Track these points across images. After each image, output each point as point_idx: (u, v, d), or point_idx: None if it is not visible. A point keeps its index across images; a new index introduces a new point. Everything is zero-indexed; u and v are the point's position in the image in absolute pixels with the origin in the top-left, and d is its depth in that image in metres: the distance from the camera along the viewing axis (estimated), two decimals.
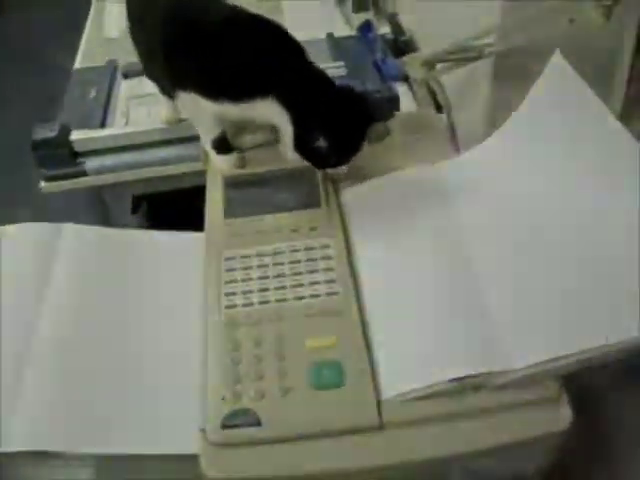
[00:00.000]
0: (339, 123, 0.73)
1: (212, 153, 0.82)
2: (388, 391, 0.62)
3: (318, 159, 0.75)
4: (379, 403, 0.61)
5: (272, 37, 0.75)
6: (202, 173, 1.02)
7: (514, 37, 0.80)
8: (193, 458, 0.61)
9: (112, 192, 1.09)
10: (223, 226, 0.77)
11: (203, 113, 0.79)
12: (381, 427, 0.60)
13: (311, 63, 0.76)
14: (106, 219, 1.17)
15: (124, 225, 1.16)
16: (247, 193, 0.80)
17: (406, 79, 1.11)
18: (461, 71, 0.92)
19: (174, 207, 1.20)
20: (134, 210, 1.46)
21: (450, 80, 0.96)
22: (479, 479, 0.64)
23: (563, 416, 0.61)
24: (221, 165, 0.83)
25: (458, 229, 0.74)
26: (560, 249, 0.67)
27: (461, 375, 0.61)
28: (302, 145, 0.74)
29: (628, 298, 0.60)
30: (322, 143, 0.72)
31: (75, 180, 1.04)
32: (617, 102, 0.71)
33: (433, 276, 0.70)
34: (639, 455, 0.80)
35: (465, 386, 0.62)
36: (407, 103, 1.07)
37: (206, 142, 0.82)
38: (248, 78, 0.74)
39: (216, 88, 0.75)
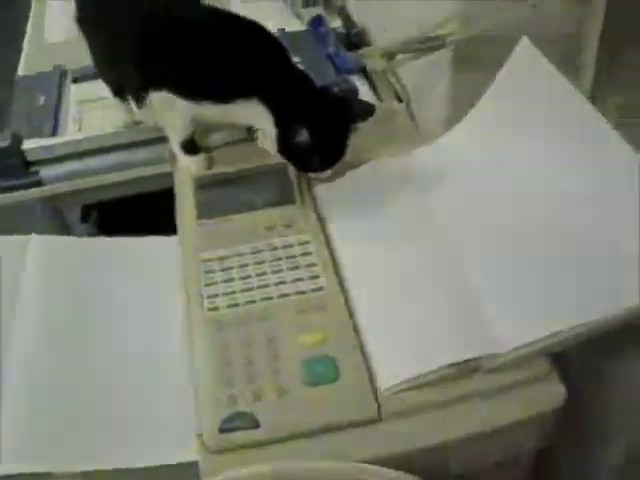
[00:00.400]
0: (324, 125, 0.73)
1: (180, 154, 0.81)
2: (384, 382, 0.62)
3: (303, 162, 0.75)
4: (376, 394, 0.61)
5: (259, 37, 0.75)
6: (165, 175, 1.00)
7: (475, 25, 0.81)
8: (186, 466, 0.60)
9: (70, 201, 1.05)
10: (197, 228, 0.76)
11: (176, 114, 0.77)
12: (380, 418, 0.60)
13: (295, 65, 0.76)
14: (63, 230, 1.13)
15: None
16: (219, 193, 0.78)
17: (361, 71, 1.12)
18: (421, 61, 0.92)
19: (126, 214, 1.17)
20: (84, 219, 1.42)
21: (410, 70, 0.96)
22: (477, 463, 0.64)
23: (557, 393, 0.62)
24: (189, 166, 0.81)
25: (435, 215, 0.74)
26: (540, 230, 0.68)
27: (454, 361, 0.61)
28: (286, 148, 0.73)
29: (611, 275, 0.61)
30: (307, 146, 0.71)
31: (30, 190, 1.01)
32: (585, 85, 0.72)
33: (416, 264, 0.70)
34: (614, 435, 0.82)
35: (459, 371, 0.62)
36: (364, 95, 1.07)
37: (175, 143, 0.81)
38: (233, 78, 0.73)
39: (197, 88, 0.74)
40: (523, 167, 0.72)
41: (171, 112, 0.77)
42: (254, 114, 0.74)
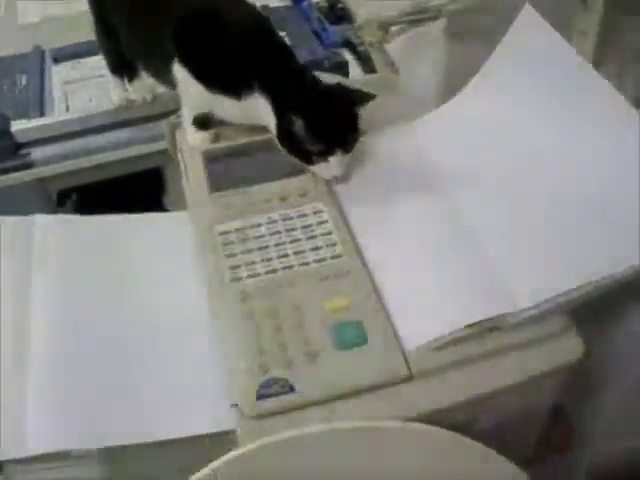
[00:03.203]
0: (319, 112, 0.72)
1: (190, 129, 0.80)
2: (411, 342, 0.64)
3: (301, 151, 0.74)
4: (404, 355, 0.63)
5: (262, 30, 0.77)
6: (159, 154, 1.00)
7: None
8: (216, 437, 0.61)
9: (62, 183, 1.04)
10: (210, 201, 0.76)
11: (194, 93, 0.78)
12: (411, 377, 0.62)
13: (295, 58, 0.77)
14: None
15: None
16: (230, 166, 0.78)
17: (347, 45, 1.12)
18: (415, 31, 0.93)
19: (106, 197, 1.16)
20: (60, 204, 1.40)
21: (404, 41, 0.97)
22: (501, 417, 0.67)
23: (576, 346, 0.65)
24: (197, 141, 0.81)
25: (443, 180, 0.75)
26: (551, 192, 0.70)
27: (476, 320, 0.63)
28: (284, 137, 0.74)
29: (626, 229, 0.64)
30: (303, 133, 0.71)
31: (22, 172, 0.99)
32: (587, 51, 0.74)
33: (430, 229, 0.72)
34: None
35: (481, 330, 0.64)
36: (353, 68, 1.08)
37: (187, 117, 0.80)
38: (237, 70, 0.75)
39: (208, 77, 0.76)
40: (529, 132, 0.74)
41: (190, 90, 0.78)
42: (260, 110, 0.75)
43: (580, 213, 0.68)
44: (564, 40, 0.71)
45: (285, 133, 0.74)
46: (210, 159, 0.79)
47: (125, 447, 0.64)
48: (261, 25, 0.80)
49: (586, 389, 0.85)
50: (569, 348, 0.65)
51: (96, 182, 1.08)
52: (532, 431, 0.74)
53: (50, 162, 1.00)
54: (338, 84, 0.77)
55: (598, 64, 0.75)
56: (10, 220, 0.77)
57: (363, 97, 0.74)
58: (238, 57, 0.75)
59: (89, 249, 0.76)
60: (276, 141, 0.75)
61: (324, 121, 0.73)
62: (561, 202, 0.69)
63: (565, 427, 0.79)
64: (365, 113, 0.75)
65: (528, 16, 0.73)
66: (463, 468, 0.63)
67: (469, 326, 0.63)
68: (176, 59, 0.77)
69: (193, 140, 0.81)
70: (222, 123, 0.81)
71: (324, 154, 0.73)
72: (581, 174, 0.70)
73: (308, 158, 0.74)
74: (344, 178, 0.77)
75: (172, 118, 0.85)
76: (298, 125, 0.71)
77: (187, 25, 0.77)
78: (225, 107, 0.78)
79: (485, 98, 0.78)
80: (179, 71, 0.78)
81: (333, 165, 0.74)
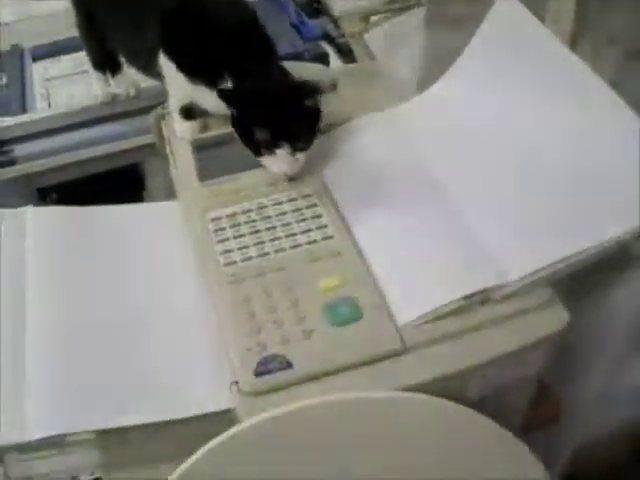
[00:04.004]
0: (264, 101, 0.73)
1: (177, 118, 0.82)
2: (404, 316, 0.65)
3: (251, 141, 0.74)
4: (398, 329, 0.64)
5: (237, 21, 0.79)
6: (143, 148, 1.01)
7: None
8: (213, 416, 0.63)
9: (46, 179, 1.04)
10: (200, 189, 0.77)
11: (178, 84, 0.79)
12: (405, 350, 0.64)
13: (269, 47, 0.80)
14: None
15: None
16: (218, 154, 0.80)
17: (326, 38, 1.15)
18: (395, 20, 0.95)
19: (85, 193, 1.16)
20: (39, 203, 1.39)
21: (383, 31, 0.99)
22: (492, 388, 0.69)
23: (560, 317, 0.67)
24: (185, 131, 0.82)
25: (429, 162, 0.77)
26: (533, 167, 0.73)
27: (465, 294, 0.65)
28: (237, 125, 0.74)
29: (606, 202, 0.67)
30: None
31: (5, 169, 1.00)
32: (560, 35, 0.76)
33: (416, 207, 0.74)
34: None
35: (471, 303, 0.66)
36: (333, 59, 1.10)
37: (174, 107, 0.82)
38: (210, 58, 0.76)
39: (189, 67, 0.77)
40: (509, 115, 0.77)
41: (175, 81, 0.79)
42: None
43: (563, 187, 0.70)
44: (542, 24, 0.73)
45: (237, 121, 0.74)
46: (199, 148, 0.80)
47: (125, 430, 0.65)
48: (242, 16, 0.81)
49: (571, 361, 0.87)
50: (554, 318, 0.67)
51: (75, 179, 1.09)
52: (520, 402, 0.76)
53: (33, 159, 1.00)
54: (306, 82, 0.75)
55: (572, 48, 0.77)
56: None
57: (312, 88, 0.74)
58: (213, 47, 0.76)
59: (80, 237, 0.77)
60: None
61: (268, 110, 0.73)
62: (544, 177, 0.71)
63: (552, 399, 0.81)
64: (347, 102, 0.76)
65: (506, 1, 0.75)
66: (463, 438, 0.65)
67: (459, 299, 0.65)
68: (161, 51, 0.78)
69: (181, 130, 0.82)
70: (209, 113, 0.82)
71: (270, 146, 0.72)
72: (563, 151, 0.72)
73: (257, 149, 0.74)
74: (297, 176, 0.76)
75: (158, 109, 0.86)
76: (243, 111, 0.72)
77: (171, 17, 0.78)
78: (206, 98, 0.79)
79: (466, 81, 0.81)
80: (165, 63, 0.79)
81: (280, 159, 0.73)
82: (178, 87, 0.80)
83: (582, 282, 0.80)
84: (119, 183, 1.31)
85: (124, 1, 0.83)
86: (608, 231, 0.65)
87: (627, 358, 0.89)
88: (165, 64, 0.79)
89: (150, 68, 0.81)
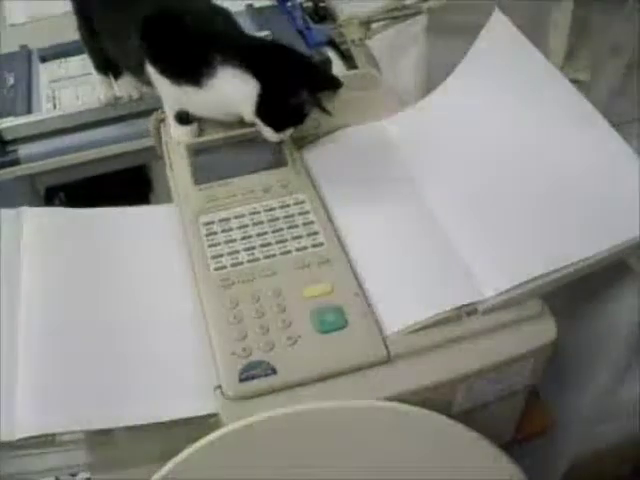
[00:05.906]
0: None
1: (173, 124, 0.82)
2: (390, 326, 0.65)
3: (282, 118, 0.76)
4: (383, 338, 0.65)
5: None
6: (147, 150, 1.01)
7: None
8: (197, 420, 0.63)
9: (49, 180, 1.05)
10: (195, 193, 0.77)
11: (166, 88, 0.80)
12: (389, 360, 0.64)
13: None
14: None
15: None
16: (213, 159, 0.80)
17: (330, 44, 1.15)
18: (396, 28, 0.95)
19: (93, 194, 1.18)
20: (48, 201, 1.41)
21: (385, 38, 0.99)
22: (477, 400, 0.69)
23: (549, 329, 0.66)
24: (180, 136, 0.82)
25: (416, 176, 0.78)
26: (516, 182, 0.73)
27: (451, 307, 0.65)
28: (267, 106, 0.75)
29: (586, 217, 0.66)
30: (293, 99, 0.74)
31: (9, 169, 1.01)
32: (556, 53, 0.76)
33: (407, 219, 0.74)
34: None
35: (459, 314, 0.66)
36: (336, 66, 1.11)
37: (169, 113, 0.82)
38: (195, 54, 0.76)
39: (170, 70, 0.78)
40: (496, 130, 0.77)
41: (163, 88, 0.80)
42: (230, 94, 0.76)
43: (547, 203, 0.70)
44: (531, 44, 0.74)
45: (267, 101, 0.75)
46: (194, 152, 0.81)
47: (111, 431, 0.66)
48: (218, 17, 0.82)
49: (568, 374, 0.87)
50: (543, 331, 0.66)
51: (84, 180, 1.10)
52: (510, 415, 0.76)
53: (38, 159, 1.01)
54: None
55: (571, 57, 0.77)
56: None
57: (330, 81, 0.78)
58: (197, 41, 0.77)
59: (76, 238, 0.77)
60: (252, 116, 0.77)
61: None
62: (529, 193, 0.71)
63: (541, 411, 0.81)
64: (346, 110, 0.77)
65: (497, 21, 0.76)
66: (447, 450, 0.65)
67: (437, 314, 0.65)
68: (146, 60, 0.79)
69: (176, 135, 0.83)
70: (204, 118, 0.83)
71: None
72: (547, 167, 0.73)
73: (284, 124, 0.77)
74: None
75: (158, 113, 0.87)
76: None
77: (151, 27, 0.79)
78: (195, 101, 0.79)
79: (455, 98, 0.81)
80: (150, 69, 0.80)
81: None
82: (166, 92, 0.80)
83: (579, 295, 0.80)
84: (127, 184, 1.32)
85: (112, 8, 0.83)
86: (586, 248, 0.65)
87: (625, 371, 0.88)
88: (151, 70, 0.79)
89: (140, 74, 0.82)
